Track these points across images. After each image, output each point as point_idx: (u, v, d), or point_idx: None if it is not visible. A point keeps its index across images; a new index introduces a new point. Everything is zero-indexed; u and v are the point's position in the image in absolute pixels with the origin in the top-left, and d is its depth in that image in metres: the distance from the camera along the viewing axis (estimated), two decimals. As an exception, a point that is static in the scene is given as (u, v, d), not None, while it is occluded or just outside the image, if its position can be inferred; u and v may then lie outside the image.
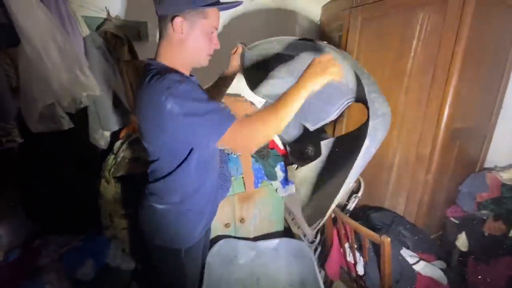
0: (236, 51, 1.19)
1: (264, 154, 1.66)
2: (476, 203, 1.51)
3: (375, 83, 0.89)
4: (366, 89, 0.85)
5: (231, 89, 1.78)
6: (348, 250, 1.40)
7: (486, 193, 1.50)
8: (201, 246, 1.09)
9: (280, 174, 1.67)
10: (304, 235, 1.90)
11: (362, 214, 1.66)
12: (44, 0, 1.00)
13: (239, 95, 1.84)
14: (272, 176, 1.62)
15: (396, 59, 1.54)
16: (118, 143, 1.47)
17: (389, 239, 1.07)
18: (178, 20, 0.79)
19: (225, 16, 1.86)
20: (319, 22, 2.14)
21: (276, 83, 1.20)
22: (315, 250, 1.81)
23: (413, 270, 1.24)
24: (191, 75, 0.94)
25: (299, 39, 1.08)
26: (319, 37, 2.18)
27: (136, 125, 1.51)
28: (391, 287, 1.19)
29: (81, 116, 1.25)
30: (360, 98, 0.99)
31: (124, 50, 1.48)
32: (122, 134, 1.52)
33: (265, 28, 2.00)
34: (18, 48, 0.84)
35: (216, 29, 0.88)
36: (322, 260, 1.64)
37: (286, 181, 1.73)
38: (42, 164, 1.29)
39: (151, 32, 1.66)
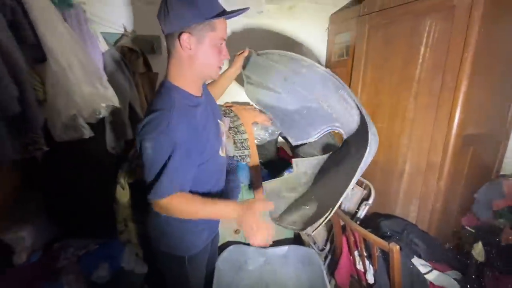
0: (242, 53, 1.22)
1: (273, 160, 1.68)
2: (493, 211, 1.46)
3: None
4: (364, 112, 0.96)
5: (239, 97, 1.84)
6: (357, 258, 1.39)
7: (502, 201, 1.45)
8: (207, 253, 1.10)
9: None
10: (314, 243, 1.90)
11: (372, 221, 1.64)
12: (68, 20, 1.09)
13: (248, 103, 1.88)
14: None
15: (404, 66, 1.54)
16: (132, 151, 1.54)
17: (398, 246, 1.06)
18: (185, 36, 0.77)
19: (233, 26, 1.93)
20: (327, 31, 2.17)
21: (271, 95, 1.24)
22: (325, 258, 1.79)
23: (425, 279, 1.22)
24: (201, 96, 0.94)
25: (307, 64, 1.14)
26: (326, 45, 2.21)
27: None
28: (402, 297, 1.17)
29: (99, 125, 1.33)
30: (347, 130, 1.09)
31: (139, 63, 1.57)
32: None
33: (274, 38, 2.06)
34: (45, 64, 0.93)
35: (224, 39, 0.86)
36: (332, 268, 1.62)
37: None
38: (63, 171, 1.37)
39: (164, 45, 1.74)
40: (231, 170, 1.52)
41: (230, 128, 1.64)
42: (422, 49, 1.44)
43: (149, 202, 0.97)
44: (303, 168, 1.22)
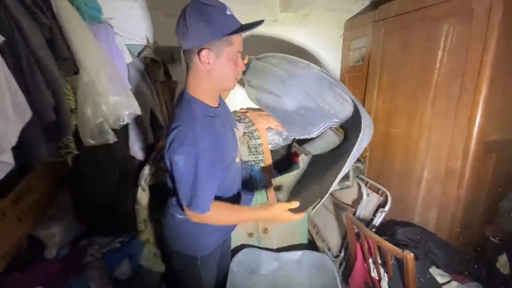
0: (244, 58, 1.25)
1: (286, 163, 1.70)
2: (519, 221, 1.39)
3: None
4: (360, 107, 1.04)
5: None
6: (372, 266, 1.37)
7: (530, 211, 1.37)
8: (217, 255, 1.13)
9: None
10: (329, 249, 1.88)
11: (389, 229, 1.60)
12: (97, 35, 1.20)
13: (261, 110, 1.93)
14: (294, 188, 1.65)
15: (421, 70, 1.52)
16: (153, 155, 1.63)
17: (412, 254, 1.04)
18: (204, 52, 0.81)
19: (249, 35, 1.99)
20: (342, 37, 2.18)
21: (271, 97, 1.31)
22: (340, 265, 1.77)
23: (443, 290, 1.18)
24: (219, 105, 0.99)
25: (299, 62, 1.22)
26: (341, 51, 2.21)
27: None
28: (418, 306, 1.14)
29: (123, 131, 1.43)
30: (345, 123, 1.17)
31: (160, 72, 1.67)
32: (157, 146, 1.68)
33: (289, 46, 2.09)
34: (77, 76, 1.03)
35: (240, 52, 0.89)
36: (347, 276, 1.60)
37: (309, 193, 1.74)
38: (90, 173, 1.48)
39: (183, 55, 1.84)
40: (245, 174, 1.56)
41: (244, 133, 1.68)
42: (440, 53, 1.42)
43: (168, 205, 1.05)
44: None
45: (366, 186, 1.83)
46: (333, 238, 1.87)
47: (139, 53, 1.70)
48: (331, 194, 1.87)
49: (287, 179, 1.37)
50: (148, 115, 1.53)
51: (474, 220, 1.46)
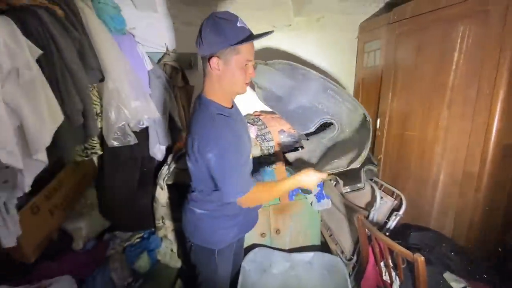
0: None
1: (298, 167, 1.73)
2: (543, 229, 1.32)
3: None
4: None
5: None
6: (383, 269, 1.36)
7: (555, 218, 1.31)
8: (232, 250, 1.20)
9: (315, 188, 1.71)
10: (342, 252, 1.88)
11: (403, 233, 1.58)
12: (121, 45, 1.30)
13: (274, 113, 1.97)
14: (306, 190, 1.67)
15: (436, 73, 1.49)
16: (171, 156, 1.72)
17: (422, 257, 1.04)
18: (214, 59, 0.91)
19: (264, 40, 2.04)
20: (356, 39, 2.18)
21: (274, 98, 1.56)
22: (353, 268, 1.76)
23: (457, 296, 1.15)
24: (232, 106, 1.08)
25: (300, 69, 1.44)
26: (356, 54, 2.21)
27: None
28: (430, 311, 1.12)
29: (143, 133, 1.53)
30: (337, 119, 1.47)
31: (178, 78, 1.76)
32: (175, 147, 1.77)
33: (303, 49, 2.12)
34: (103, 84, 1.14)
35: (250, 60, 0.96)
36: (359, 279, 1.59)
37: (321, 195, 1.76)
38: (113, 172, 1.59)
39: (200, 61, 1.92)
40: (257, 175, 1.61)
41: (257, 136, 1.73)
42: (456, 55, 1.39)
43: (188, 201, 1.14)
44: (312, 145, 1.64)
45: (380, 189, 1.81)
46: (346, 241, 1.86)
47: (159, 60, 1.80)
48: (344, 196, 1.87)
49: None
50: (166, 118, 1.63)
51: (494, 225, 1.41)
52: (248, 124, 1.76)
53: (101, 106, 1.20)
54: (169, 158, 1.71)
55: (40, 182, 1.26)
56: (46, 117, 0.83)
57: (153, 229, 1.66)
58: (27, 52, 0.77)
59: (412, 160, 1.70)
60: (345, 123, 1.44)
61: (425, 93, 1.57)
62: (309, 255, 1.67)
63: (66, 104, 0.93)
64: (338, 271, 1.52)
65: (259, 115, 1.99)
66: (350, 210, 1.89)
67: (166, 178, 1.61)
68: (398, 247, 1.13)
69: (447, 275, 1.24)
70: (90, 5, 1.17)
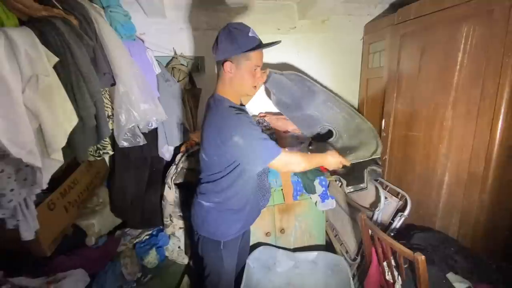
0: (264, 72, 1.53)
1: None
2: (551, 230, 1.30)
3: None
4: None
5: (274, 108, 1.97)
6: (386, 269, 1.36)
7: None
8: (238, 244, 1.27)
9: (319, 188, 1.73)
10: (347, 252, 1.89)
11: (408, 234, 1.58)
12: (131, 50, 1.37)
13: (281, 114, 2.00)
14: (310, 189, 1.69)
15: (440, 73, 1.49)
16: (179, 156, 1.78)
17: (423, 257, 1.04)
18: (227, 64, 1.04)
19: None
20: (362, 40, 2.18)
21: (285, 105, 1.79)
22: (358, 268, 1.77)
23: (460, 297, 1.15)
24: (241, 104, 1.21)
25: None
26: (361, 55, 2.22)
27: (193, 142, 1.81)
28: (432, 311, 1.13)
29: (152, 134, 1.59)
30: (335, 126, 1.75)
31: (186, 81, 1.82)
32: (182, 148, 1.83)
33: (308, 51, 2.15)
34: (114, 88, 1.20)
35: (259, 66, 1.10)
36: (363, 278, 1.60)
37: (326, 195, 1.78)
38: (123, 171, 1.66)
39: (207, 65, 1.98)
40: (262, 174, 1.64)
41: (262, 136, 1.77)
42: (460, 55, 1.39)
43: (196, 194, 1.23)
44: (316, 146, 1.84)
45: (386, 189, 1.81)
46: (351, 242, 1.87)
47: (168, 64, 1.87)
48: (349, 196, 1.88)
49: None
50: (174, 119, 1.69)
51: (500, 226, 1.39)
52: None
53: (112, 108, 1.27)
54: (177, 158, 1.77)
55: (56, 180, 1.34)
56: (61, 120, 0.90)
57: (161, 227, 1.72)
58: (45, 60, 0.84)
59: (417, 161, 1.70)
60: (342, 130, 1.71)
61: (429, 93, 1.57)
62: (313, 254, 1.69)
63: (80, 107, 1.00)
64: (341, 270, 1.53)
65: (264, 116, 2.03)
66: (354, 210, 1.90)
67: (174, 177, 1.67)
68: (399, 247, 1.14)
69: (450, 276, 1.24)
70: (102, 13, 1.24)
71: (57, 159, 0.91)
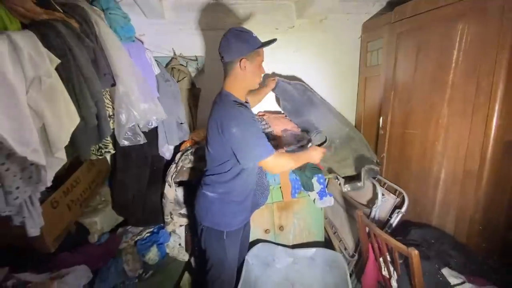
0: (273, 79, 1.77)
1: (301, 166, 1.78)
2: (546, 226, 1.31)
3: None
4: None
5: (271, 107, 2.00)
6: (382, 264, 1.39)
7: (558, 215, 1.30)
8: (240, 235, 1.32)
9: (317, 186, 1.75)
10: (345, 249, 1.91)
11: (405, 230, 1.60)
12: (131, 51, 1.40)
13: (279, 112, 2.03)
14: (308, 187, 1.72)
15: (436, 71, 1.51)
16: (179, 155, 1.81)
17: (416, 251, 1.07)
18: (244, 61, 1.15)
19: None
20: (360, 39, 2.20)
21: (290, 111, 2.00)
22: (356, 264, 1.79)
23: (454, 291, 1.17)
24: (246, 102, 1.29)
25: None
26: (359, 53, 2.23)
27: (193, 141, 1.84)
28: (426, 305, 1.15)
29: (152, 133, 1.62)
30: (327, 131, 1.95)
31: (185, 81, 1.85)
32: (182, 147, 1.86)
33: (306, 50, 2.16)
34: (114, 88, 1.24)
35: (263, 60, 1.23)
36: (360, 275, 1.63)
37: (324, 193, 1.80)
38: (124, 170, 1.70)
39: (206, 65, 2.01)
40: (261, 172, 1.67)
41: (260, 135, 1.80)
42: (455, 53, 1.40)
43: (201, 185, 1.29)
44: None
45: (383, 187, 1.83)
46: (349, 239, 1.90)
47: (167, 64, 1.89)
48: (347, 193, 1.91)
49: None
50: (174, 119, 1.72)
51: (496, 223, 1.41)
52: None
53: (113, 108, 1.30)
54: (177, 157, 1.80)
55: (58, 179, 1.37)
56: (64, 119, 0.93)
57: (162, 224, 1.76)
58: (48, 62, 0.87)
59: (413, 158, 1.71)
60: (334, 137, 1.92)
61: (425, 91, 1.59)
62: (311, 250, 1.71)
63: (81, 107, 1.03)
64: (339, 266, 1.56)
65: (263, 115, 2.05)
66: (352, 207, 1.92)
67: (174, 176, 1.70)
68: (394, 242, 1.16)
69: (445, 271, 1.26)
70: (102, 16, 1.27)
71: (61, 158, 0.94)
